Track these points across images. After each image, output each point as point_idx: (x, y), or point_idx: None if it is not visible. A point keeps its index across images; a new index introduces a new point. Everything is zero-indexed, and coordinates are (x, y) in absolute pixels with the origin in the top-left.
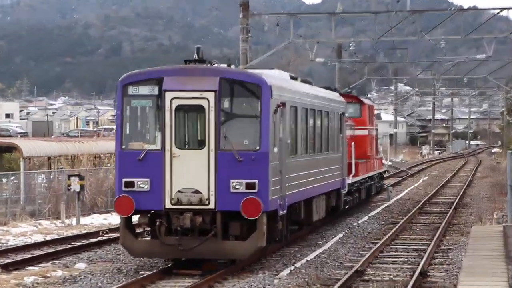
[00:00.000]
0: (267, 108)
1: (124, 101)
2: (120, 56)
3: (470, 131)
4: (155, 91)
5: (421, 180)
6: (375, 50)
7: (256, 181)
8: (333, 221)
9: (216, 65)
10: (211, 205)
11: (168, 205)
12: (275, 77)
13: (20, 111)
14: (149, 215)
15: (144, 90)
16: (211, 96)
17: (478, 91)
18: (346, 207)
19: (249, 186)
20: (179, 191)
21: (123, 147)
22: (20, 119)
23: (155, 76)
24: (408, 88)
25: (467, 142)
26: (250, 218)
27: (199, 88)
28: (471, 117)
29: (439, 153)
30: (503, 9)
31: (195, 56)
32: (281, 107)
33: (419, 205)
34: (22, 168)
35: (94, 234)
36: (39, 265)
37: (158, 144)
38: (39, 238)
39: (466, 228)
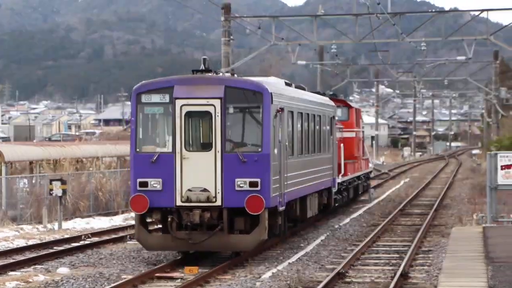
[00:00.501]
0: (268, 113)
1: (138, 108)
2: (102, 60)
3: (451, 133)
4: (166, 99)
5: (402, 182)
6: (356, 53)
7: (259, 180)
8: (315, 223)
9: (221, 74)
10: (218, 202)
11: (178, 202)
12: (274, 84)
13: (2, 115)
14: (162, 212)
15: (156, 98)
16: (217, 102)
17: (458, 93)
18: (336, 204)
19: (252, 184)
20: (188, 190)
21: (137, 150)
22: (2, 124)
23: (166, 85)
24: (389, 90)
25: (448, 144)
26: (254, 213)
27: (206, 96)
28: (452, 119)
29: (420, 155)
30: (482, 10)
31: (202, 67)
32: (280, 112)
33: (400, 206)
34: (4, 173)
35: (76, 238)
36: (21, 270)
37: (169, 147)
38: (21, 243)
39: (446, 230)
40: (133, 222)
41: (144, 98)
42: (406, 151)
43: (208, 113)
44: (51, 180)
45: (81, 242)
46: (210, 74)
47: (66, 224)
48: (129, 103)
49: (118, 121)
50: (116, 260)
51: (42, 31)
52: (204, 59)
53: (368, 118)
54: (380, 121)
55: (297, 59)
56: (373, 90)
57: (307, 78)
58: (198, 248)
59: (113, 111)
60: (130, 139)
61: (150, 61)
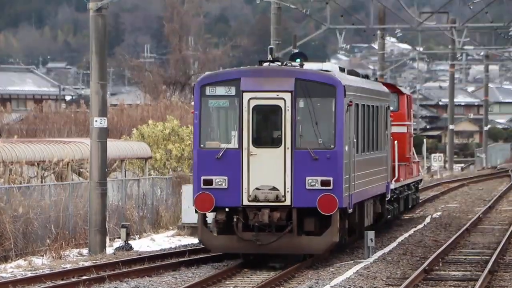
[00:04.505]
0: (341, 107)
1: (202, 101)
2: None
3: None
4: (232, 91)
5: (428, 219)
6: None
7: (331, 179)
8: None
9: (289, 65)
10: (287, 202)
11: (245, 201)
12: (346, 77)
13: None
14: (226, 212)
15: (221, 90)
16: (287, 96)
17: None
18: (389, 216)
19: (324, 183)
20: (256, 188)
21: (202, 145)
22: None
23: (232, 77)
24: (405, 46)
25: None
26: (326, 214)
27: (276, 89)
28: None
29: (462, 168)
30: None
31: (269, 57)
32: (350, 105)
33: (425, 264)
34: None
35: None
36: None
37: (235, 143)
38: None
39: None
40: None
41: (209, 91)
42: (436, 160)
43: (277, 107)
44: None
45: None
46: (278, 64)
47: None
48: None
49: None
50: None
51: None
52: (271, 48)
53: None
54: None
55: None
56: (375, 46)
57: (251, 23)
58: (266, 250)
59: None
60: (193, 134)
61: None
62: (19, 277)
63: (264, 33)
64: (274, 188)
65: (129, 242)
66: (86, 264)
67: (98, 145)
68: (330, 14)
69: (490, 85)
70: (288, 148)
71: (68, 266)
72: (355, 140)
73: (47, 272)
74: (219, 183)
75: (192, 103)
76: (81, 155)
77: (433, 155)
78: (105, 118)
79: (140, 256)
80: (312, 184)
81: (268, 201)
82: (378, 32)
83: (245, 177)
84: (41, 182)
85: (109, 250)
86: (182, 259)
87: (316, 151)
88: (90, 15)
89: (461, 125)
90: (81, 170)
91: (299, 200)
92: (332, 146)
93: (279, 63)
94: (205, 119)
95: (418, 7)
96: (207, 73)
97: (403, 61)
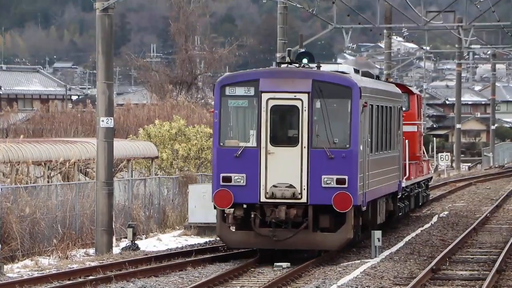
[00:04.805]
0: (356, 108)
1: (221, 101)
2: None
3: None
4: (251, 92)
5: (435, 218)
6: None
7: (346, 177)
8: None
9: (306, 66)
10: (303, 199)
11: (263, 198)
12: (361, 78)
13: None
14: (244, 208)
15: (240, 91)
16: (304, 97)
17: None
18: (400, 214)
19: (340, 181)
20: (273, 186)
21: (221, 144)
22: None
23: (251, 78)
24: (412, 46)
25: None
26: (341, 211)
27: (294, 90)
28: None
29: (469, 168)
30: None
31: (287, 59)
32: (365, 106)
33: (433, 264)
34: None
35: None
36: None
37: (254, 142)
38: None
39: None
40: None
41: (228, 91)
42: (443, 159)
43: (295, 108)
44: None
45: None
46: (296, 66)
47: None
48: None
49: None
50: None
51: None
52: (289, 50)
53: None
54: None
55: None
56: (381, 45)
57: (257, 23)
58: (282, 246)
59: None
60: (213, 132)
61: None
62: (25, 277)
63: (270, 32)
64: (290, 186)
65: (136, 242)
66: (93, 264)
67: (105, 145)
68: (336, 14)
69: (497, 84)
70: (304, 147)
71: (75, 266)
72: (369, 140)
73: (54, 272)
74: (238, 180)
75: (212, 102)
76: (87, 155)
77: (440, 154)
78: (112, 118)
79: (146, 256)
80: (327, 182)
81: (285, 198)
82: (385, 31)
83: (263, 174)
84: (48, 182)
85: (116, 250)
86: (189, 259)
87: (332, 150)
88: (96, 15)
89: (468, 124)
90: (87, 170)
91: (315, 198)
92: (348, 146)
93: (297, 65)
94: (224, 118)
95: (424, 6)
96: (227, 73)
97: (410, 60)
